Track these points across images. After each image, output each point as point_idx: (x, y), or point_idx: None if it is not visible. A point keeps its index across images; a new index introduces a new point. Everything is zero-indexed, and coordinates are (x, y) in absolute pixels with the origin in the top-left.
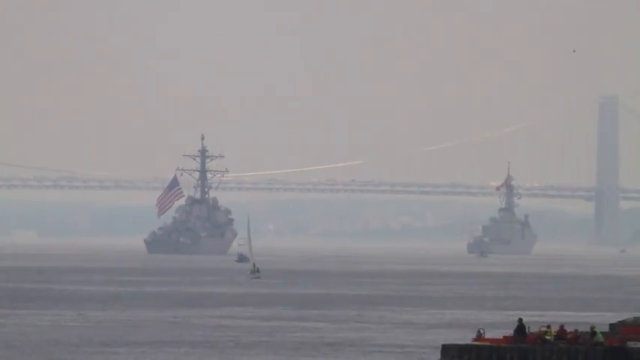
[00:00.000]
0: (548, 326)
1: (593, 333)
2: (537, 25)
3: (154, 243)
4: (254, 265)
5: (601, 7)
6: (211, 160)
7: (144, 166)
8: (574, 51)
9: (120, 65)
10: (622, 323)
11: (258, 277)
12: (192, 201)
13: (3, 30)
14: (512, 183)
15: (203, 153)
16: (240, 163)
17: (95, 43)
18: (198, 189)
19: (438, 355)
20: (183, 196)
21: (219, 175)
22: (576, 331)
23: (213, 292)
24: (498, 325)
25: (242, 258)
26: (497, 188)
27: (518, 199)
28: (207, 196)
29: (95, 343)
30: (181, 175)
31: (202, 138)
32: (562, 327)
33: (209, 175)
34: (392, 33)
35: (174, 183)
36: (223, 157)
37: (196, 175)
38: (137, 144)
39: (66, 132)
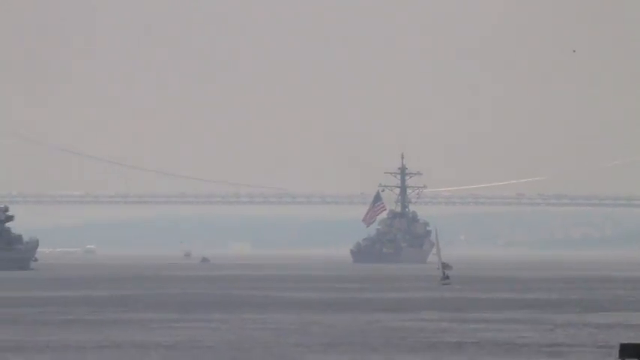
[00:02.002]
0: None
1: None
2: None
3: (359, 253)
4: (444, 273)
5: None
6: (410, 177)
7: (347, 183)
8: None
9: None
10: None
11: (449, 284)
12: (393, 215)
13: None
14: None
15: (403, 170)
16: (437, 179)
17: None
18: (399, 203)
19: (617, 354)
20: (385, 209)
21: (417, 190)
22: None
23: (411, 297)
24: None
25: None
26: None
27: None
28: (407, 209)
29: (316, 344)
30: (383, 190)
31: (402, 157)
32: None
33: (409, 191)
34: (574, 44)
35: (377, 198)
36: (422, 174)
37: (397, 190)
38: (339, 162)
39: (272, 150)
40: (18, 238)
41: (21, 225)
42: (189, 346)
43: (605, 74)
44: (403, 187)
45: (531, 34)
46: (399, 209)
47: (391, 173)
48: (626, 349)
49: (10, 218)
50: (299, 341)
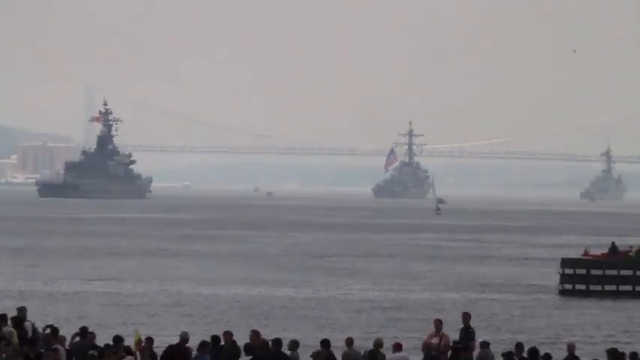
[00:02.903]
0: (631, 246)
1: None
2: None
3: (379, 191)
4: (437, 206)
5: None
6: (415, 137)
7: (369, 139)
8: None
9: None
10: None
11: (440, 214)
12: (403, 164)
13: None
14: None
15: (410, 132)
16: (434, 138)
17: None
18: (407, 156)
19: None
20: (397, 160)
21: (420, 147)
22: None
23: (414, 223)
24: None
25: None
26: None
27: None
28: (412, 160)
29: (332, 253)
30: (396, 146)
31: (410, 123)
32: None
33: (414, 147)
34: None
35: (392, 152)
36: (422, 135)
37: (405, 147)
38: (366, 123)
39: (317, 114)
40: (138, 176)
41: (140, 166)
42: (251, 256)
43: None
44: (410, 145)
45: (519, 25)
46: (407, 160)
47: (402, 134)
48: (565, 262)
49: (133, 162)
50: (327, 251)
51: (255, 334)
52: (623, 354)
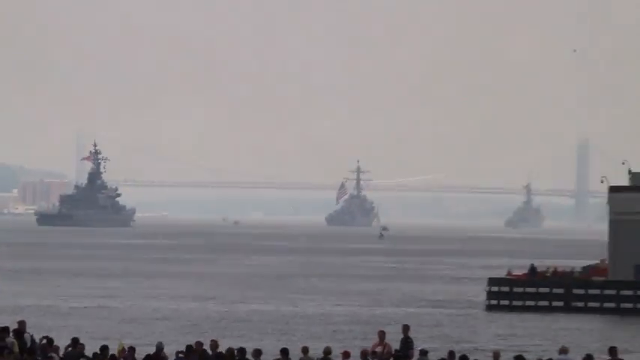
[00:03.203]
0: (547, 268)
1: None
2: None
3: (331, 219)
4: (381, 233)
5: None
6: (363, 173)
7: (322, 175)
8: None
9: None
10: (590, 266)
11: (383, 239)
12: (352, 196)
13: None
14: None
15: (358, 170)
16: (380, 174)
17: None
18: (356, 190)
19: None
20: (347, 193)
21: (367, 181)
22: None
23: (359, 247)
24: (523, 268)
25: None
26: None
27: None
28: (360, 193)
29: (295, 274)
30: (346, 181)
31: (358, 161)
32: (556, 268)
33: (362, 182)
34: None
35: (342, 186)
36: (369, 172)
37: (354, 182)
38: (318, 162)
39: (280, 153)
40: (123, 207)
41: (124, 199)
42: (219, 275)
43: None
44: (358, 180)
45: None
46: (355, 193)
47: (351, 171)
48: (491, 281)
49: (119, 195)
50: (287, 272)
51: (214, 343)
52: None
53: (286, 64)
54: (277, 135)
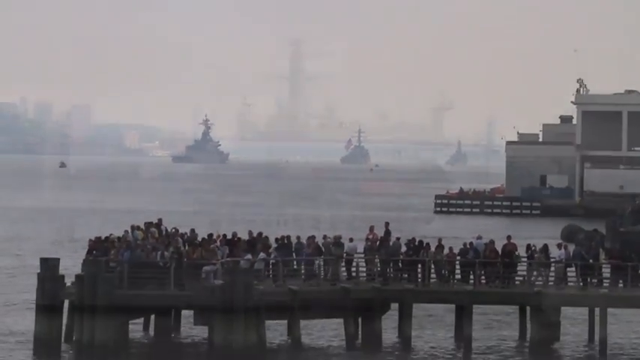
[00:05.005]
0: (470, 189)
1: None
2: None
3: (344, 160)
4: (371, 169)
5: None
6: (362, 133)
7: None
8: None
9: None
10: (494, 188)
11: (372, 172)
12: (355, 147)
13: None
14: None
15: (359, 131)
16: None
17: None
18: (358, 142)
19: (434, 198)
20: (352, 145)
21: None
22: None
23: (359, 177)
24: (456, 188)
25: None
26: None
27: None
28: (361, 144)
29: None
30: (352, 137)
31: (359, 127)
32: (475, 189)
33: (361, 137)
34: None
35: (349, 141)
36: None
37: (357, 138)
38: None
39: None
40: (222, 152)
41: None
42: None
43: None
44: (359, 137)
45: None
46: (357, 144)
47: (354, 132)
48: (438, 197)
49: (219, 145)
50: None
51: None
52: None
53: None
54: None
